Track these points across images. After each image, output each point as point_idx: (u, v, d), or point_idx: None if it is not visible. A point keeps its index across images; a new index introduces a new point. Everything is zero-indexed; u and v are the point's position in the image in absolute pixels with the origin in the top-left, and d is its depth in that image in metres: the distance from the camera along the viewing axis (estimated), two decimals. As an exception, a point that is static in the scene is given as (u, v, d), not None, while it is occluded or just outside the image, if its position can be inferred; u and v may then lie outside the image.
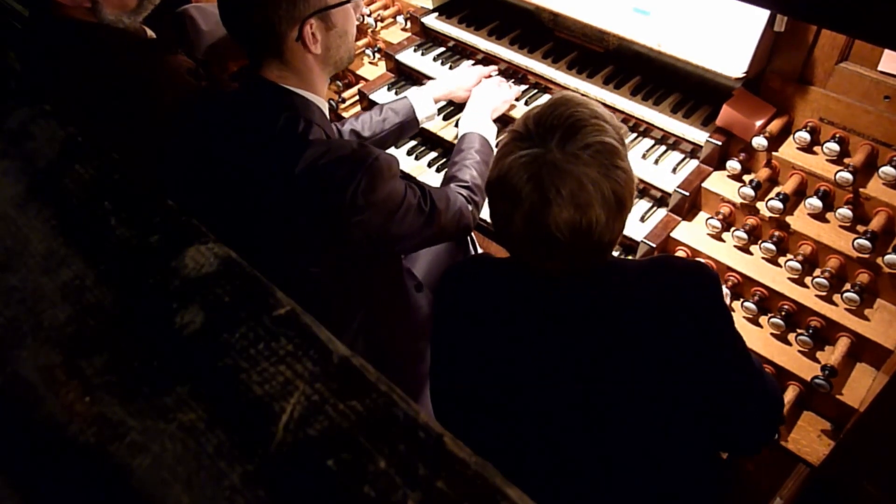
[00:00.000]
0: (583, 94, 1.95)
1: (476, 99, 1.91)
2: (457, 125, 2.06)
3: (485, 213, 1.86)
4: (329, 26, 1.37)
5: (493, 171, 1.09)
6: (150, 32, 1.78)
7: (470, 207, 1.59)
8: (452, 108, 2.13)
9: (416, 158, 2.10)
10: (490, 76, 2.07)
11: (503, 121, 2.04)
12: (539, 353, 1.11)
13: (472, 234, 2.00)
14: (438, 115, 2.12)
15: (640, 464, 1.11)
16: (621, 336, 1.07)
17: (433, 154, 2.12)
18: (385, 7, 2.41)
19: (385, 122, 1.87)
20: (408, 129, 1.93)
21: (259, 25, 1.30)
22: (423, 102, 1.92)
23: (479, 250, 2.03)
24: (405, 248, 1.51)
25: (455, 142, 2.02)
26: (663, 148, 1.88)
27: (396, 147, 2.13)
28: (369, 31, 2.37)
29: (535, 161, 1.01)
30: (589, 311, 1.09)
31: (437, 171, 2.06)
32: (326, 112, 1.44)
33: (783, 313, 1.57)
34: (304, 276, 1.39)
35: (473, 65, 2.17)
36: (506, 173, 1.04)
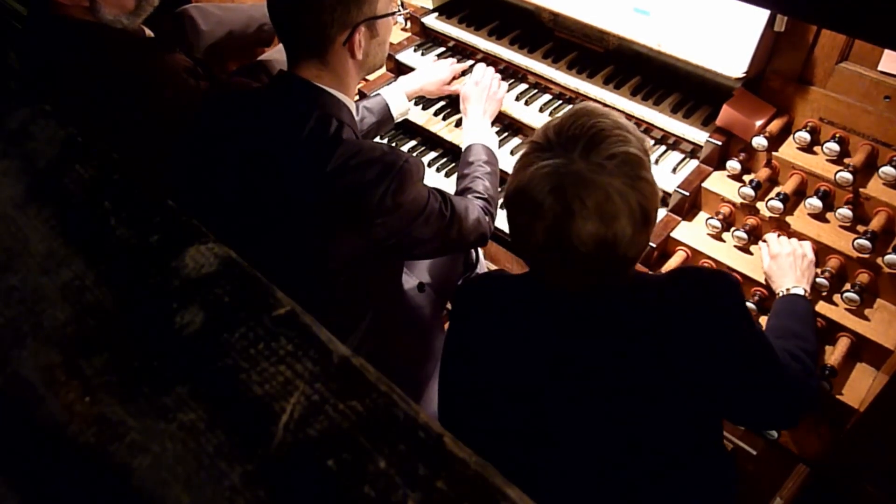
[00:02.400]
0: (583, 94, 1.97)
1: (472, 108, 1.92)
2: (456, 125, 2.06)
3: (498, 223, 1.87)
4: (373, 34, 1.40)
5: (511, 184, 1.05)
6: (148, 32, 1.78)
7: (487, 218, 1.61)
8: (451, 109, 2.14)
9: (416, 158, 2.10)
10: (461, 72, 2.11)
11: (501, 121, 2.05)
12: (556, 365, 1.10)
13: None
14: (437, 115, 2.13)
15: (653, 468, 1.10)
16: (641, 346, 1.05)
17: (433, 154, 2.12)
18: (385, 7, 2.41)
19: (363, 122, 1.89)
20: (383, 125, 1.97)
21: (311, 26, 1.32)
22: (396, 99, 1.95)
23: (481, 254, 2.03)
24: (425, 252, 1.52)
25: (454, 141, 2.04)
26: (663, 148, 1.88)
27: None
28: (369, 30, 2.37)
29: (557, 171, 0.98)
30: (608, 323, 1.07)
31: (437, 171, 2.07)
32: (354, 113, 1.46)
33: (783, 313, 1.57)
34: (318, 274, 1.39)
35: (476, 64, 2.17)
36: (526, 185, 1.00)
